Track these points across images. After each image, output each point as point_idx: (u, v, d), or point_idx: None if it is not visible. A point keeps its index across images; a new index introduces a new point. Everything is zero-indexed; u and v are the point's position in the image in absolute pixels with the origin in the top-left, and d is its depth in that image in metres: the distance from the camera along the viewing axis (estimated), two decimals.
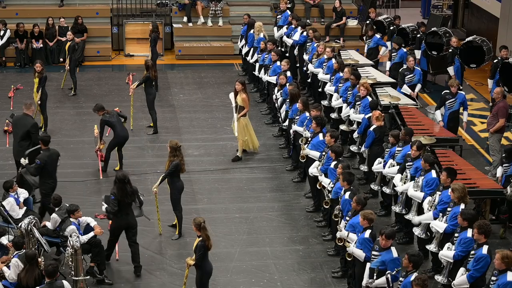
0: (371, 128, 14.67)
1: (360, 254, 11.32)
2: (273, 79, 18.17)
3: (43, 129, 17.50)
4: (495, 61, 18.72)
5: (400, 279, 10.45)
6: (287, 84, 16.73)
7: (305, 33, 20.02)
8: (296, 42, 20.16)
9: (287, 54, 20.97)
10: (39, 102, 17.33)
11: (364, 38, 21.29)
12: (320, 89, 18.48)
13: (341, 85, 17.04)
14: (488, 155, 16.77)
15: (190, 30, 24.07)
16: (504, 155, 14.01)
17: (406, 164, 13.31)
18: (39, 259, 11.21)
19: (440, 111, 16.64)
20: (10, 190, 13.15)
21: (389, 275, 10.54)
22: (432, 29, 21.18)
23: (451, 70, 19.59)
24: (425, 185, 12.70)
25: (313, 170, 14.00)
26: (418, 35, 21.22)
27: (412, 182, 12.99)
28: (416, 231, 12.64)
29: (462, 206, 11.66)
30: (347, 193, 12.36)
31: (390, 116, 16.30)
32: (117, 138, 15.81)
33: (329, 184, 13.23)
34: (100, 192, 15.27)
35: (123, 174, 12.58)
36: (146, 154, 17.01)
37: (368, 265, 11.07)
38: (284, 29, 21.32)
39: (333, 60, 17.96)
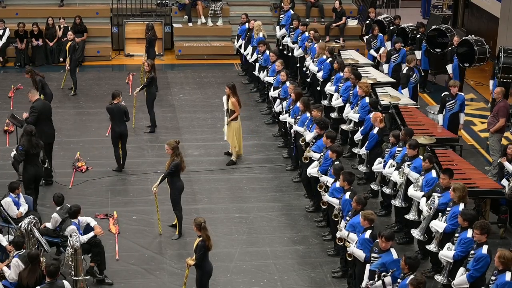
0: (375, 131, 14.62)
1: (360, 254, 11.32)
2: (272, 80, 18.18)
3: None
4: (495, 61, 18.72)
5: (398, 280, 10.44)
6: (288, 83, 16.71)
7: (306, 33, 20.02)
8: (301, 44, 20.01)
9: (289, 54, 20.98)
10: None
11: (367, 37, 21.18)
12: (318, 88, 18.49)
13: (341, 85, 17.05)
14: (488, 155, 16.77)
15: (190, 30, 24.07)
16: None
17: (407, 164, 13.29)
18: (41, 259, 11.21)
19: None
20: (15, 191, 13.16)
21: (384, 277, 10.55)
22: (433, 26, 21.17)
23: (449, 68, 19.64)
24: (425, 185, 12.69)
25: (311, 170, 13.99)
26: (418, 36, 21.21)
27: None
28: (415, 233, 12.62)
29: (462, 205, 11.65)
30: (348, 193, 12.36)
31: (390, 116, 16.29)
32: (113, 131, 15.85)
33: (332, 182, 13.20)
34: (101, 192, 15.30)
35: (31, 127, 14.14)
36: (146, 154, 17.01)
37: (367, 266, 11.08)
38: (284, 30, 21.37)
39: (324, 56, 18.02)
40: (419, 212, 12.79)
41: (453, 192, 11.77)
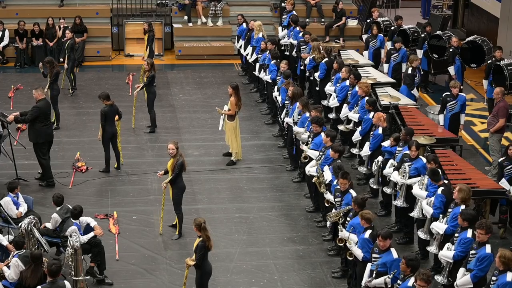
0: (380, 131, 14.60)
1: (358, 253, 11.34)
2: (269, 79, 18.21)
3: (55, 124, 17.63)
4: (489, 61, 18.73)
5: (398, 282, 10.43)
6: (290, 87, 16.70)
7: (300, 34, 20.11)
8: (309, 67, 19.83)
9: (287, 53, 21.00)
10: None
11: (366, 37, 21.16)
12: (317, 88, 18.53)
13: (338, 85, 17.06)
14: (488, 155, 16.77)
15: (190, 30, 24.08)
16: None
17: (406, 164, 13.27)
18: (44, 259, 11.21)
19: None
20: (14, 191, 13.16)
21: (388, 278, 10.56)
22: (437, 32, 21.11)
23: (451, 69, 19.59)
24: (430, 184, 12.67)
25: (311, 169, 13.99)
26: (422, 35, 21.16)
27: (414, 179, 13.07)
28: (421, 234, 12.61)
29: (463, 207, 11.63)
30: (351, 191, 12.41)
31: (390, 116, 16.29)
32: (106, 133, 15.81)
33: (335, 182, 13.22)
34: (101, 192, 15.30)
35: None
36: (146, 154, 17.01)
37: (368, 265, 11.08)
38: (286, 31, 21.39)
39: (314, 55, 18.16)
40: (421, 209, 12.79)
41: (458, 192, 11.72)
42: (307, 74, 19.38)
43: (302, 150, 14.84)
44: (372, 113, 15.14)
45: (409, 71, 18.03)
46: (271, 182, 15.89)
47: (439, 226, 11.88)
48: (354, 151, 15.96)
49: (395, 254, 10.82)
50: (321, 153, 13.94)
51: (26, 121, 15.20)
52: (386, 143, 14.15)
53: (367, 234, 11.32)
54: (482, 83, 19.35)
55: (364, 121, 15.40)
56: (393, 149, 13.94)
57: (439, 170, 12.61)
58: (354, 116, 16.03)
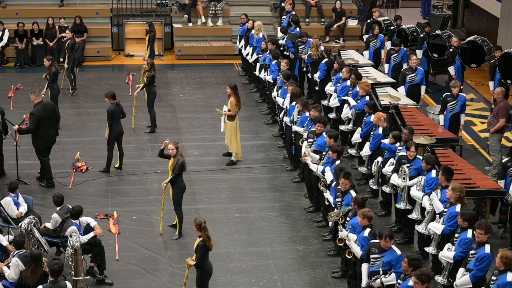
0: (380, 131, 14.59)
1: (357, 250, 11.36)
2: (271, 78, 18.21)
3: None
4: (491, 61, 18.73)
5: (398, 281, 10.43)
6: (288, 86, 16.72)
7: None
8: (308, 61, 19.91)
9: (287, 53, 20.99)
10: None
11: (367, 37, 21.15)
12: (317, 87, 18.54)
13: (339, 85, 17.06)
14: (488, 155, 16.77)
15: (190, 30, 24.08)
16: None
17: (405, 166, 13.25)
18: (44, 259, 11.21)
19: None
20: (15, 191, 13.16)
21: (384, 278, 10.55)
22: (436, 31, 21.11)
23: (451, 69, 19.58)
24: (426, 185, 12.68)
25: (312, 167, 13.99)
26: (421, 35, 21.15)
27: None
28: (419, 228, 12.61)
29: (459, 207, 11.62)
30: (352, 191, 12.41)
31: (390, 116, 16.28)
32: (113, 133, 15.82)
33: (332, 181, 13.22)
34: (101, 192, 15.30)
35: None
36: (146, 154, 17.01)
37: (365, 265, 11.07)
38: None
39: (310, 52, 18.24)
40: (422, 211, 12.78)
41: (452, 192, 11.71)
42: (308, 75, 19.37)
43: (301, 149, 14.84)
44: (372, 116, 15.09)
45: (402, 69, 18.17)
46: (271, 182, 15.89)
47: (436, 227, 11.87)
48: (352, 152, 15.96)
49: (398, 251, 10.84)
50: (324, 154, 13.93)
51: (30, 132, 15.06)
52: (386, 141, 14.15)
53: (366, 232, 11.33)
54: (482, 83, 19.34)
55: (365, 124, 15.36)
56: (393, 147, 13.91)
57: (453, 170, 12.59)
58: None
